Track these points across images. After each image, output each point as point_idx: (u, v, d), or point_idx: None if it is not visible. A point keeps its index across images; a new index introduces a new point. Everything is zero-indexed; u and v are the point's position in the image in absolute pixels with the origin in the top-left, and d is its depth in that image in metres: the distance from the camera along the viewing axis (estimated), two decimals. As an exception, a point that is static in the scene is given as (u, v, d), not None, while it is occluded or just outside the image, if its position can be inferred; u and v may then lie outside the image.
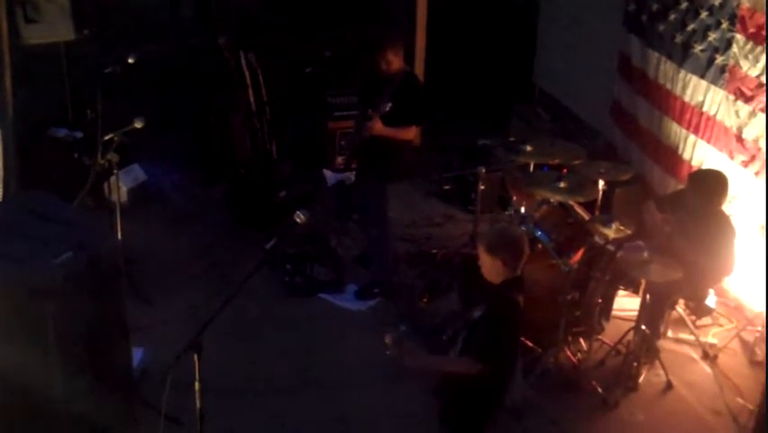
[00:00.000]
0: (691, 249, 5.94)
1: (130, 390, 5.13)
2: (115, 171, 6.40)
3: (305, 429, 5.70)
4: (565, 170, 6.92)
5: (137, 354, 5.74)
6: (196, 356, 4.07)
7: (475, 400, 4.52)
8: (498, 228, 4.78)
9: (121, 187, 6.93)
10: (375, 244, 7.13)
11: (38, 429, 4.59)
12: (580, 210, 6.75)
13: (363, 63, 6.98)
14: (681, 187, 7.07)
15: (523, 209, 6.67)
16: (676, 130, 7.42)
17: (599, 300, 6.24)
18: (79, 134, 8.08)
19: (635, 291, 6.64)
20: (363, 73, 6.99)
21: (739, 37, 6.57)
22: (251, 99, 8.46)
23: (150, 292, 6.79)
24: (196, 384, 4.12)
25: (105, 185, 7.15)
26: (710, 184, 6.08)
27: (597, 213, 6.66)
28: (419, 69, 9.02)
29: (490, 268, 4.49)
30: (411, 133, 6.81)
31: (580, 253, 6.23)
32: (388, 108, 6.51)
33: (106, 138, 6.27)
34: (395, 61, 6.62)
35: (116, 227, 6.33)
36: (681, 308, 6.64)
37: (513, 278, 4.48)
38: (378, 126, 6.57)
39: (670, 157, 7.50)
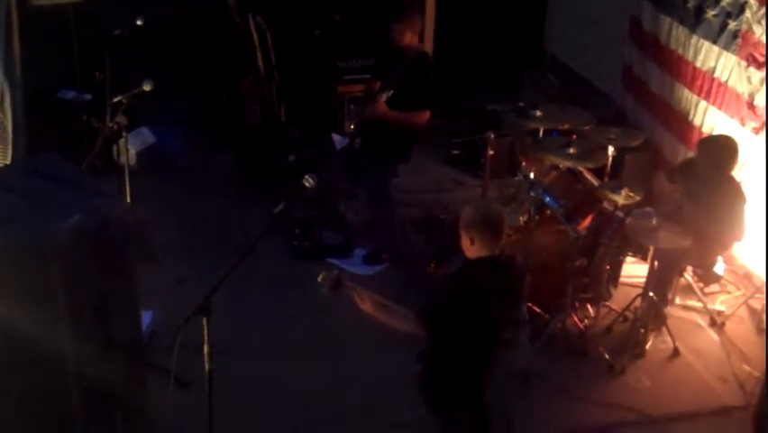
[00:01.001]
0: (702, 216, 5.93)
1: (139, 353, 5.15)
2: (124, 134, 6.38)
3: (310, 392, 5.73)
4: (575, 136, 6.90)
5: (146, 317, 5.77)
6: (204, 320, 4.10)
7: (445, 374, 4.49)
8: (477, 205, 4.59)
9: (129, 149, 6.91)
10: (379, 214, 7.13)
11: (47, 392, 4.62)
12: (589, 176, 6.73)
13: (377, 29, 6.87)
14: (691, 155, 7.05)
15: (532, 175, 6.65)
16: (687, 96, 7.37)
17: (607, 267, 6.25)
18: (88, 96, 8.08)
19: (644, 258, 6.64)
20: (379, 43, 6.89)
21: (752, 2, 6.51)
22: (260, 63, 8.41)
23: (159, 255, 6.81)
24: (205, 347, 4.15)
25: (114, 147, 7.15)
26: (720, 149, 6.07)
27: (606, 179, 6.64)
28: (429, 33, 8.95)
29: (463, 243, 4.41)
30: (421, 118, 6.58)
31: (588, 220, 6.23)
32: (390, 94, 6.41)
33: (115, 100, 6.24)
34: (407, 36, 6.49)
35: (125, 190, 6.33)
36: (689, 275, 6.64)
37: (486, 257, 4.35)
38: (381, 109, 6.48)
39: (680, 123, 7.46)
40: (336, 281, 4.24)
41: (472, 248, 4.36)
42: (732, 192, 6.06)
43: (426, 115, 6.58)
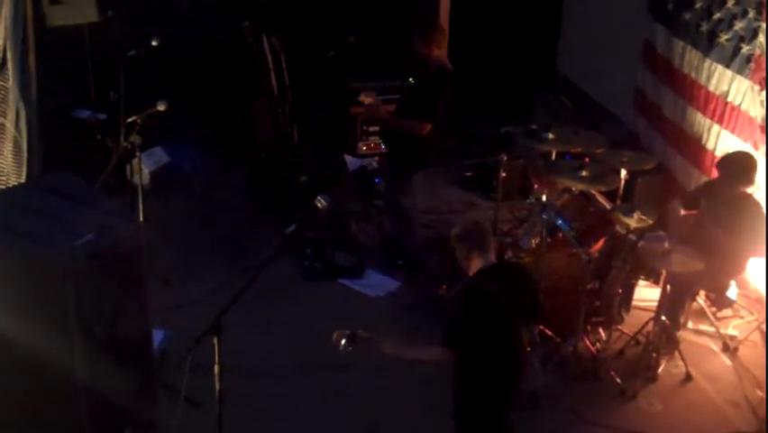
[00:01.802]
0: (723, 233, 5.94)
1: (150, 371, 5.16)
2: (138, 154, 6.42)
3: (321, 412, 5.72)
4: (587, 159, 6.89)
5: (157, 336, 5.77)
6: (215, 339, 4.10)
7: (476, 395, 4.52)
8: (459, 223, 4.73)
9: (143, 169, 6.94)
10: (397, 227, 7.23)
11: (58, 407, 4.63)
12: (601, 199, 6.72)
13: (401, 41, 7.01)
14: (704, 178, 7.05)
15: (544, 197, 6.65)
16: (700, 120, 7.36)
17: (620, 290, 6.22)
18: (103, 116, 8.12)
19: (656, 282, 6.61)
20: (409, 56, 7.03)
21: (765, 26, 6.50)
22: (274, 83, 8.46)
23: (171, 275, 6.83)
24: (216, 367, 4.15)
25: (128, 167, 7.19)
26: (738, 163, 6.18)
27: (618, 202, 6.63)
28: (442, 55, 8.98)
29: (460, 262, 4.58)
30: (416, 128, 6.57)
31: (600, 243, 6.21)
32: (371, 97, 6.83)
33: (129, 120, 6.29)
34: (424, 48, 6.57)
35: (138, 209, 6.36)
36: (701, 299, 6.61)
37: (487, 267, 4.47)
38: (373, 111, 6.93)
39: (693, 147, 7.45)
40: (352, 337, 4.37)
41: (466, 263, 4.52)
42: (751, 207, 6.09)
43: (424, 126, 6.58)
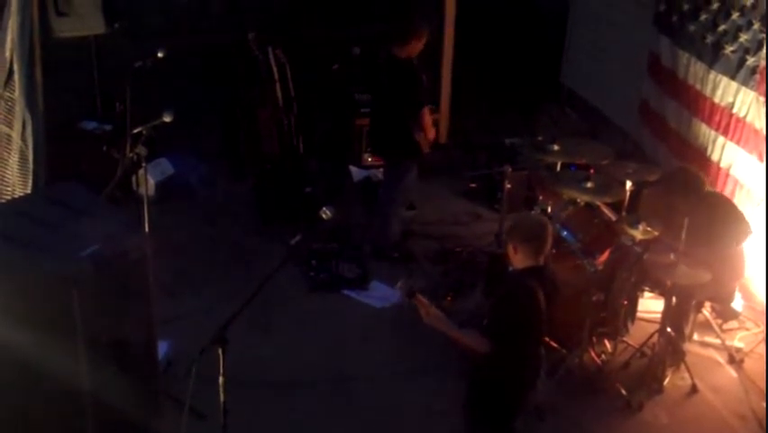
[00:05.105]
0: (708, 250, 5.92)
1: (155, 382, 5.15)
2: (144, 165, 6.43)
3: (326, 424, 5.71)
4: (592, 170, 6.89)
5: (162, 347, 5.77)
6: (220, 350, 4.10)
7: (496, 389, 4.54)
8: (522, 215, 4.80)
9: (149, 180, 6.95)
10: (379, 212, 7.53)
11: (62, 418, 4.63)
12: (606, 211, 6.72)
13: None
14: (708, 189, 7.04)
15: (549, 209, 6.65)
16: (705, 131, 7.36)
17: (625, 302, 6.21)
18: (108, 127, 8.14)
19: (661, 293, 6.60)
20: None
21: (771, 38, 6.52)
22: (279, 95, 8.48)
23: (176, 285, 6.83)
24: (221, 378, 4.15)
25: (133, 178, 7.20)
26: (676, 174, 6.28)
27: (624, 214, 6.62)
28: (446, 67, 9.02)
29: (508, 252, 4.55)
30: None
31: (606, 254, 6.21)
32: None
33: (135, 131, 6.30)
34: (403, 51, 7.05)
35: (143, 220, 6.36)
36: (707, 310, 6.60)
37: (532, 267, 4.47)
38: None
39: (698, 158, 7.44)
40: (410, 292, 4.35)
41: (516, 257, 4.49)
42: (718, 203, 6.14)
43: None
